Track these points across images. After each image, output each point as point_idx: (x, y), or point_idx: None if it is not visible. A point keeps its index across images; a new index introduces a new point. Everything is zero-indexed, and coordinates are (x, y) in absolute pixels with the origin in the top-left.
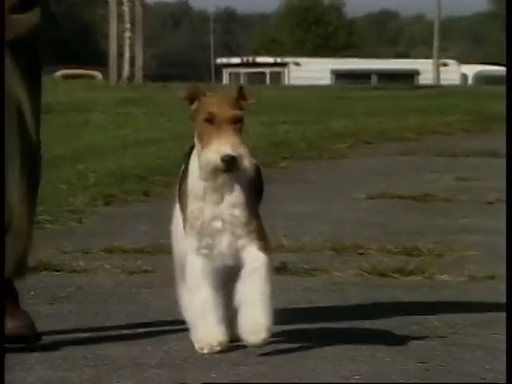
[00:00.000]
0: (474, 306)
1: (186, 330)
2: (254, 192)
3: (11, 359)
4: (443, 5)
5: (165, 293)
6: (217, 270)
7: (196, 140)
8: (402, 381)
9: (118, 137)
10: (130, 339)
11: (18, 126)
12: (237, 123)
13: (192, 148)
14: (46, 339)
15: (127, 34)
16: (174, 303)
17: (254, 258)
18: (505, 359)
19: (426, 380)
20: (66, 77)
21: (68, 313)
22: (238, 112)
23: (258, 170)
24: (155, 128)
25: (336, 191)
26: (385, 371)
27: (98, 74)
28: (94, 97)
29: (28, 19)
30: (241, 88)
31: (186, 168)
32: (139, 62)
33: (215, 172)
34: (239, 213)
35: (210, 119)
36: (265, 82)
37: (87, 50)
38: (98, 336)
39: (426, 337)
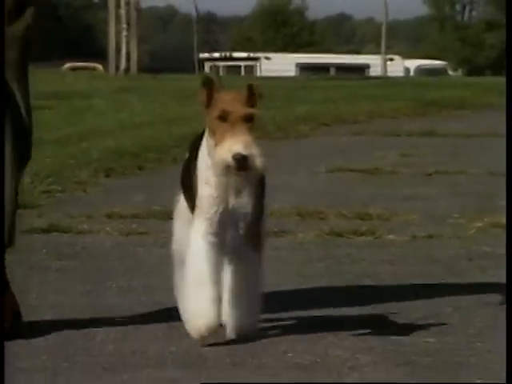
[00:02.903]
0: (416, 260)
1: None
2: (261, 189)
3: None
4: (390, 9)
5: (156, 251)
6: (218, 257)
7: (207, 134)
8: (354, 326)
9: (116, 120)
10: (126, 290)
11: (13, 118)
12: (249, 121)
13: (199, 137)
14: (57, 290)
15: (124, 33)
16: (163, 260)
17: (251, 262)
18: (443, 305)
19: (376, 322)
20: (72, 69)
21: (74, 268)
22: (250, 110)
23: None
24: (148, 113)
25: (300, 166)
26: (338, 317)
27: (99, 67)
28: (95, 86)
29: (22, 21)
30: (250, 86)
31: (192, 155)
32: (134, 56)
33: (227, 170)
34: (249, 209)
35: (223, 116)
36: (240, 73)
37: (90, 46)
38: (100, 287)
39: (376, 286)
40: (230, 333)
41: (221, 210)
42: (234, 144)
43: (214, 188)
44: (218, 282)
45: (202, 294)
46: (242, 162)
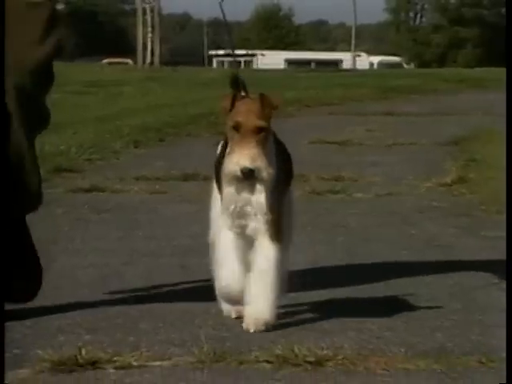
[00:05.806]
0: (379, 213)
1: (191, 235)
2: (283, 179)
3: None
4: (357, 15)
5: (173, 206)
6: (244, 245)
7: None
8: (330, 277)
9: (143, 102)
10: (150, 238)
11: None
12: (259, 133)
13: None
14: (96, 237)
15: (149, 34)
16: (179, 214)
17: (267, 255)
18: (404, 252)
19: (349, 262)
20: (109, 63)
21: (110, 220)
22: (261, 122)
23: (288, 156)
24: (168, 97)
25: (287, 139)
26: (317, 258)
27: (129, 61)
28: (127, 76)
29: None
30: (262, 96)
31: (221, 154)
32: (157, 53)
33: (236, 180)
34: (264, 200)
35: (236, 128)
36: (240, 67)
37: (123, 45)
38: (130, 235)
39: (347, 234)
40: (246, 325)
41: (240, 205)
42: (242, 157)
43: (233, 186)
44: (244, 262)
45: (231, 271)
46: (248, 175)
